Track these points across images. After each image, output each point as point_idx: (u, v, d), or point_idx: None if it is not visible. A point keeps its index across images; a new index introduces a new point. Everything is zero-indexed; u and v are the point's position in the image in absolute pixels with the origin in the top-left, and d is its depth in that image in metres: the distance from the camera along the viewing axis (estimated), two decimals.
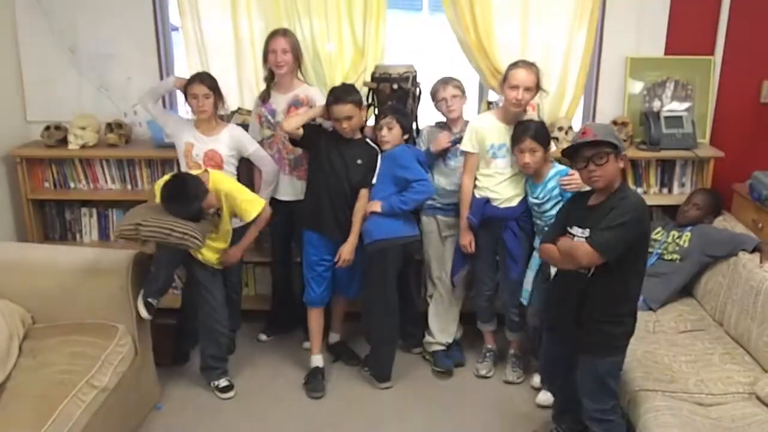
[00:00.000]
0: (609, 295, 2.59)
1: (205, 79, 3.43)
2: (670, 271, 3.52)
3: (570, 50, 4.02)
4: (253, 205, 3.26)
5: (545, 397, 3.35)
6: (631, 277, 2.59)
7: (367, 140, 3.48)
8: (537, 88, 3.30)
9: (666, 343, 3.18)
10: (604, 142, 2.50)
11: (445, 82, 3.54)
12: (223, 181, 3.25)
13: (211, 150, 3.42)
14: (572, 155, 2.61)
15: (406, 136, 3.44)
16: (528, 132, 3.18)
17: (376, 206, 3.35)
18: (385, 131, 3.38)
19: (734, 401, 2.79)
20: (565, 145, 3.84)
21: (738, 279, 3.23)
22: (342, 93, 3.35)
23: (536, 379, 3.52)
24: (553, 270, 3.08)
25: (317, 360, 3.59)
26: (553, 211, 3.17)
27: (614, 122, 3.97)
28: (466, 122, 3.57)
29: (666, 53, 4.06)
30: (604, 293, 2.58)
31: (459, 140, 3.47)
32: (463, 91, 3.57)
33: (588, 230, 2.55)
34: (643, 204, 2.56)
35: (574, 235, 2.61)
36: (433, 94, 3.59)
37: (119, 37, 4.14)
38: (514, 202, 3.37)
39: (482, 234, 3.48)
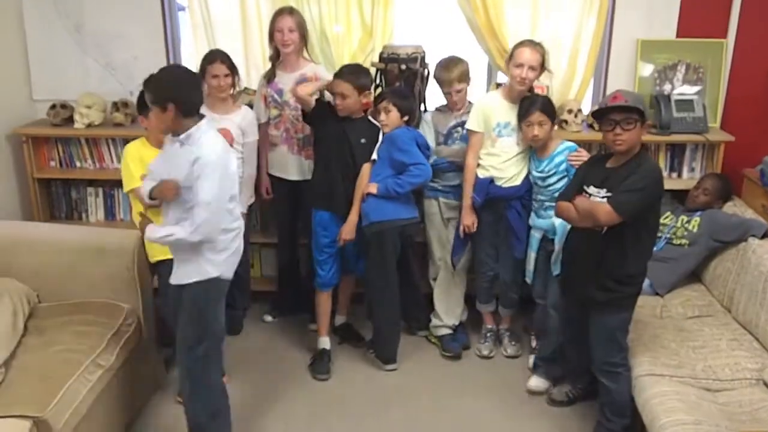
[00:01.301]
0: (622, 254, 2.72)
1: (225, 59, 3.42)
2: (679, 256, 3.50)
3: (580, 32, 3.99)
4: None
5: (537, 382, 3.37)
6: (643, 236, 2.75)
7: (370, 119, 3.46)
8: (542, 67, 3.30)
9: (673, 328, 3.17)
10: (634, 109, 2.63)
11: (449, 70, 3.43)
12: None
13: (223, 129, 3.33)
14: (600, 117, 2.74)
15: (405, 118, 3.39)
16: (536, 105, 3.22)
17: (373, 188, 3.33)
18: (383, 115, 3.36)
19: (742, 387, 2.79)
20: (575, 128, 3.85)
21: (747, 265, 3.20)
22: (345, 70, 3.36)
23: (530, 360, 3.56)
24: (557, 246, 3.20)
25: (324, 342, 3.59)
26: (558, 185, 3.22)
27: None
28: (469, 105, 3.54)
29: (678, 36, 4.01)
30: (617, 252, 2.73)
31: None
32: (468, 78, 3.52)
33: (604, 190, 2.70)
34: (659, 170, 2.75)
35: (590, 195, 2.75)
36: (438, 81, 3.53)
37: (125, 16, 4.11)
38: (518, 181, 3.39)
39: (484, 215, 3.49)
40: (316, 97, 3.41)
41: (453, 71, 3.43)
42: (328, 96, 3.46)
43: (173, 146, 2.57)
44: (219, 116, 3.41)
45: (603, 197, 2.69)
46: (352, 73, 3.34)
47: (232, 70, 3.44)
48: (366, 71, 3.46)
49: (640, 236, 2.73)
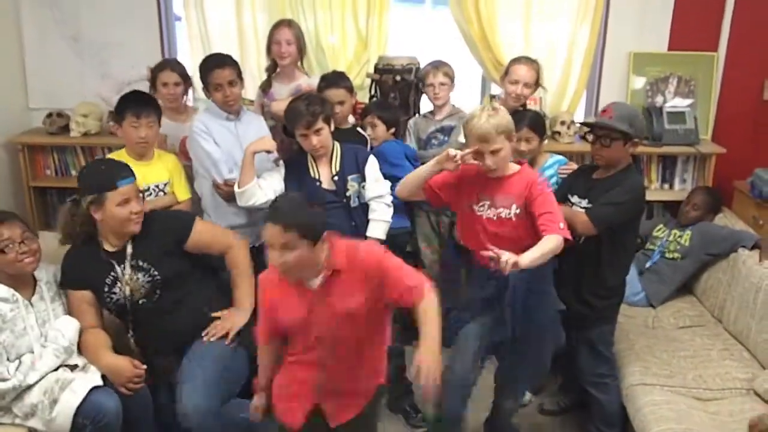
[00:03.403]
0: (599, 269, 2.75)
1: (175, 66, 3.47)
2: (672, 270, 3.52)
3: (573, 44, 4.03)
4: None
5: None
6: (620, 251, 2.77)
7: (358, 129, 3.46)
8: (537, 84, 3.35)
9: (665, 338, 3.19)
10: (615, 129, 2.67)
11: (436, 67, 3.51)
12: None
13: (186, 136, 3.32)
14: (590, 129, 2.83)
15: (392, 130, 3.40)
16: (524, 121, 3.17)
17: None
18: (369, 130, 3.37)
19: (732, 396, 2.81)
20: (567, 140, 3.88)
21: (738, 276, 3.23)
22: (335, 78, 3.36)
23: None
24: None
25: None
26: None
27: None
28: (452, 109, 3.55)
29: (669, 49, 4.05)
30: (594, 267, 2.76)
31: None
32: (453, 79, 3.54)
33: (585, 201, 2.75)
34: (642, 188, 2.78)
35: (573, 204, 2.80)
36: (422, 78, 3.57)
37: (122, 26, 4.12)
38: None
39: None
40: None
41: (439, 67, 3.50)
42: None
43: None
44: (176, 124, 3.44)
45: (584, 207, 2.74)
46: (340, 78, 3.36)
47: (184, 78, 3.47)
48: (344, 73, 3.49)
49: (617, 251, 2.75)
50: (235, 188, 2.93)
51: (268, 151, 2.99)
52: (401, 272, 2.13)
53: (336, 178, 2.94)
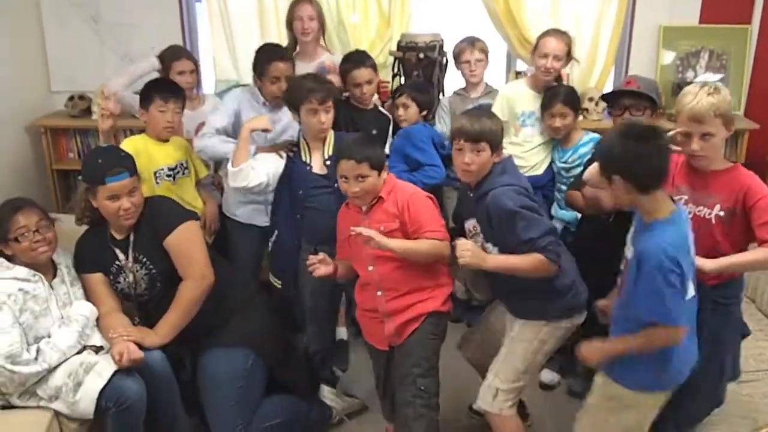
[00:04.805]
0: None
1: (188, 54, 3.47)
2: None
3: (601, 18, 3.95)
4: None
5: (549, 376, 3.28)
6: None
7: (380, 109, 3.43)
8: (568, 57, 3.26)
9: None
10: (645, 96, 2.61)
11: (471, 43, 3.48)
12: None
13: (202, 123, 3.32)
14: (611, 101, 2.73)
15: (424, 113, 3.36)
16: (558, 96, 3.16)
17: None
18: (401, 110, 3.31)
19: (766, 378, 2.77)
20: (595, 117, 3.80)
21: None
22: (360, 57, 3.31)
23: None
24: None
25: (342, 333, 3.57)
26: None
27: None
28: (486, 87, 3.52)
29: (700, 22, 3.96)
30: (623, 240, 2.59)
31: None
32: (487, 56, 3.51)
33: None
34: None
35: None
36: (457, 55, 3.52)
37: (142, 7, 4.12)
38: (540, 170, 3.33)
39: None
40: None
41: (475, 44, 3.46)
42: None
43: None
44: (193, 113, 3.41)
45: None
46: (365, 57, 3.31)
47: (196, 65, 3.48)
48: (366, 52, 3.44)
49: None
50: (229, 167, 2.87)
51: (265, 130, 2.94)
52: (423, 216, 2.40)
53: (328, 162, 2.88)
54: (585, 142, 3.19)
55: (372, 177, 2.38)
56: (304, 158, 2.90)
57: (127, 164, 2.53)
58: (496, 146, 2.35)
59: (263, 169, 2.87)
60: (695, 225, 2.16)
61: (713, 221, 2.20)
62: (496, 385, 2.45)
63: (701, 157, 2.19)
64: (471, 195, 2.44)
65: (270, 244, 3.05)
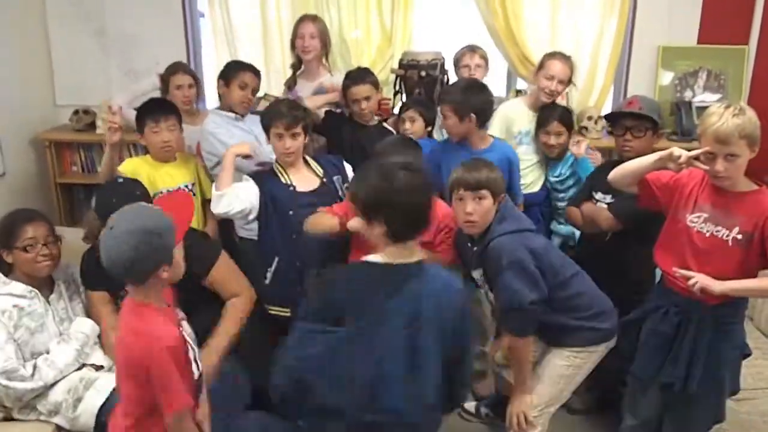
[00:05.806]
0: (625, 261, 2.70)
1: (186, 68, 3.50)
2: None
3: (600, 38, 3.98)
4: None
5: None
6: (648, 244, 2.50)
7: (384, 125, 3.46)
8: (569, 81, 3.35)
9: None
10: (647, 117, 2.67)
11: (472, 49, 3.58)
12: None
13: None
14: (613, 121, 2.79)
15: (429, 128, 3.40)
16: (555, 115, 3.26)
17: None
18: (408, 124, 3.35)
19: (764, 396, 2.77)
20: (594, 135, 3.84)
21: None
22: (360, 74, 3.35)
23: None
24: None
25: None
26: (576, 188, 3.21)
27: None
28: None
29: (699, 42, 4.00)
30: (620, 259, 2.71)
31: None
32: (487, 63, 3.60)
33: (609, 196, 2.74)
34: None
35: (597, 200, 2.81)
36: (457, 61, 3.61)
37: (147, 23, 4.15)
38: (536, 188, 3.39)
39: None
40: (325, 109, 3.43)
41: (476, 50, 3.56)
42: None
43: None
44: (194, 127, 3.41)
45: (608, 203, 2.75)
46: (365, 74, 3.35)
47: (196, 80, 3.50)
48: (369, 69, 3.47)
49: (644, 244, 2.56)
50: (213, 190, 2.83)
51: (246, 156, 2.92)
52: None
53: (325, 180, 2.90)
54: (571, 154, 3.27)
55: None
56: (284, 181, 2.84)
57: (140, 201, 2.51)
58: (497, 193, 2.35)
59: (246, 197, 2.80)
60: (710, 245, 2.18)
61: (730, 243, 2.18)
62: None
63: (725, 178, 2.17)
64: (471, 246, 2.45)
65: (268, 275, 2.86)
